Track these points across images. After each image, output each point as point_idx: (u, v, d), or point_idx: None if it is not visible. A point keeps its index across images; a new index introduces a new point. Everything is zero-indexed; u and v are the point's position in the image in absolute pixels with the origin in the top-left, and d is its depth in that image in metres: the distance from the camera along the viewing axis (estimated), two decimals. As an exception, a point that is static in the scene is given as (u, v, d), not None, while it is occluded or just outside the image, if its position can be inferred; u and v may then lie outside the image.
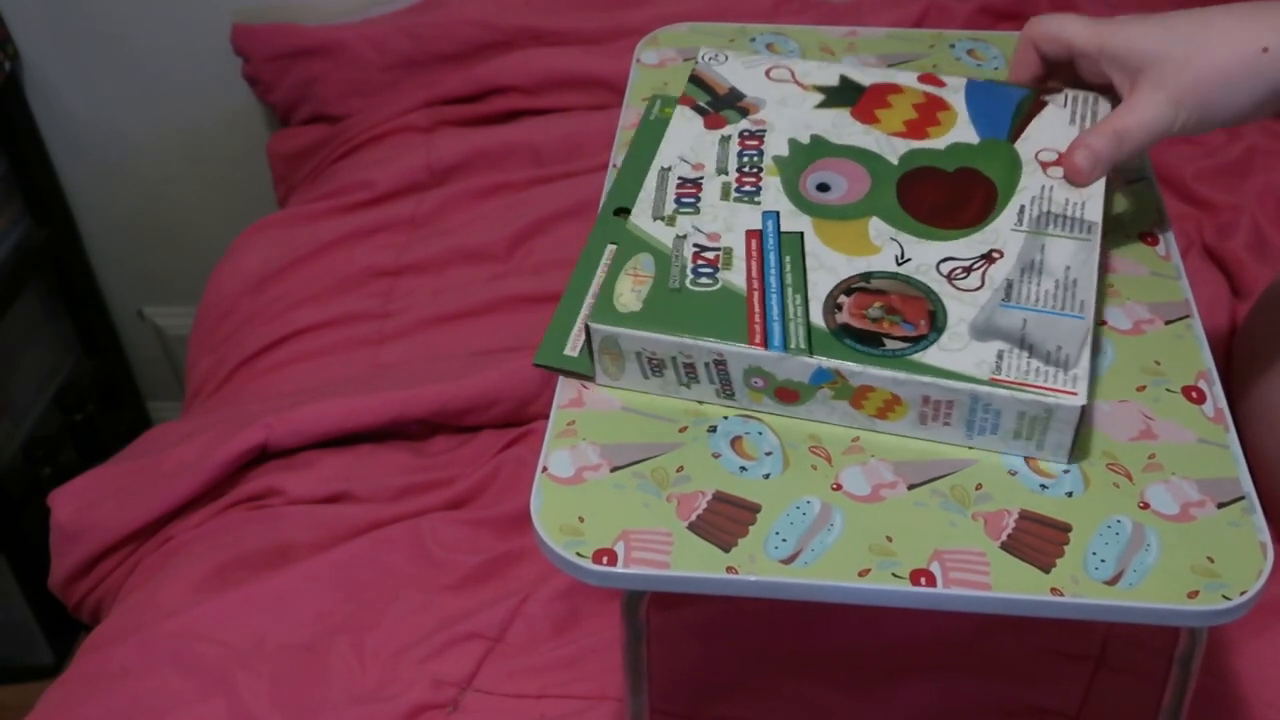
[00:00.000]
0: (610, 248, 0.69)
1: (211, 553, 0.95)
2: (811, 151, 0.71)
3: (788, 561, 0.57)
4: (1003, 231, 0.67)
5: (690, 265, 0.65)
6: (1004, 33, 0.88)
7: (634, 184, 0.71)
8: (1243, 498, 0.59)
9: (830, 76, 0.76)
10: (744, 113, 0.74)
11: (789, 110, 0.74)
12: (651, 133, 0.76)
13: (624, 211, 0.71)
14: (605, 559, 0.58)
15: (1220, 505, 0.59)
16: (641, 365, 0.63)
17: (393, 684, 0.85)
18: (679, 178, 0.70)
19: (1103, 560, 0.57)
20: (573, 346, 0.66)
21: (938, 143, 0.72)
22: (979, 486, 0.60)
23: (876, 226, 0.67)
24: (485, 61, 1.37)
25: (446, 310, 1.14)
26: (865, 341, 0.61)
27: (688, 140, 0.72)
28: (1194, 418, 0.63)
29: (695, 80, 0.76)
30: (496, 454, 1.01)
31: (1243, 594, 0.56)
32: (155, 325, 1.85)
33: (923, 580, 0.56)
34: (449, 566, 0.92)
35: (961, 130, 0.72)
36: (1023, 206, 0.68)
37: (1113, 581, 0.56)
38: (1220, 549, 0.57)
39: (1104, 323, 0.68)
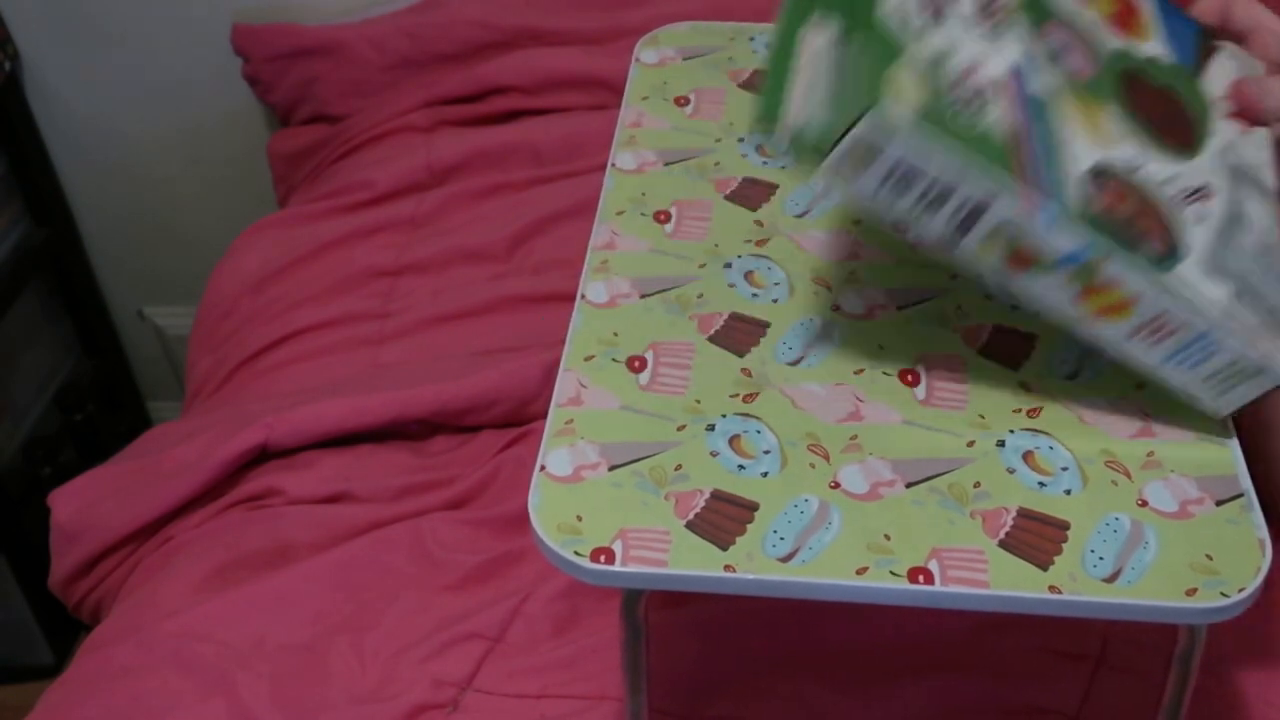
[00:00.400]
0: (815, 28, 0.61)
1: (211, 553, 0.95)
2: (1046, 6, 0.65)
3: (786, 560, 0.57)
4: (1208, 171, 0.63)
5: (956, 86, 0.59)
6: None
7: None
8: (1241, 495, 0.59)
9: None
10: None
11: None
12: None
13: None
14: (603, 558, 0.58)
15: (1219, 503, 0.59)
16: (889, 177, 0.56)
17: (393, 684, 0.84)
18: None
19: (1101, 558, 0.57)
20: (792, 119, 0.58)
21: (1140, 49, 0.67)
22: (977, 484, 0.60)
23: (1112, 116, 0.63)
24: (485, 61, 1.37)
25: (446, 310, 1.14)
26: (1124, 238, 0.58)
27: None
28: (1193, 416, 0.63)
29: None
30: (496, 454, 1.01)
31: (1241, 591, 0.56)
32: (155, 325, 1.85)
33: (921, 578, 0.56)
34: (449, 566, 0.92)
35: (1157, 44, 0.68)
36: (1219, 150, 0.64)
37: (1111, 579, 0.56)
38: (1219, 546, 0.57)
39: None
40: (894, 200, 0.57)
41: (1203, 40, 0.69)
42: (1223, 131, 0.65)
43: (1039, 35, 0.64)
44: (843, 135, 0.55)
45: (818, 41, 0.61)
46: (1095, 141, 0.61)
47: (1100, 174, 0.59)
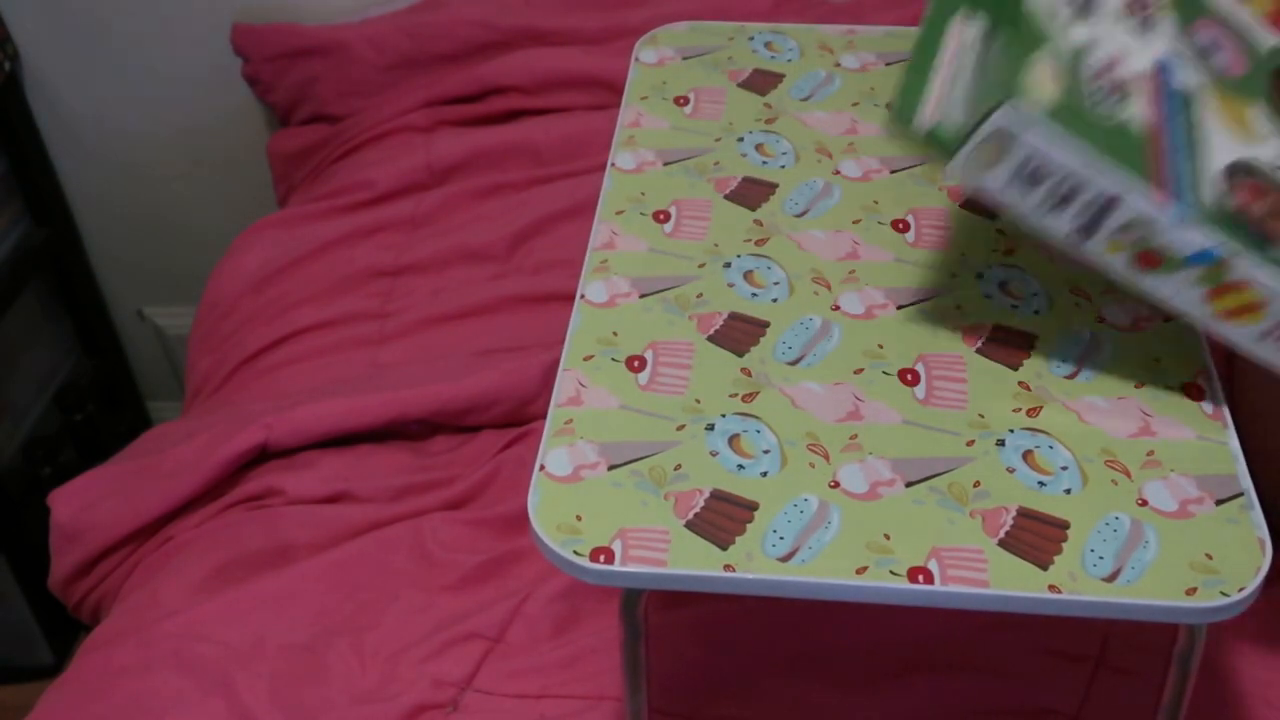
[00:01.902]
0: (964, 23, 0.63)
1: (211, 552, 0.95)
2: (1197, 3, 0.66)
3: (785, 559, 0.57)
4: None
5: (1095, 81, 0.60)
6: None
7: None
8: (1241, 495, 0.59)
9: None
10: None
11: None
12: None
13: None
14: (603, 557, 0.58)
15: (1219, 502, 0.59)
16: (1019, 171, 0.57)
17: (393, 684, 0.84)
18: None
19: (1101, 557, 0.57)
20: (930, 116, 0.60)
21: None
22: (977, 484, 0.60)
23: (1259, 114, 0.63)
24: (485, 61, 1.37)
25: (446, 310, 1.14)
26: (1256, 238, 0.58)
27: None
28: (1193, 415, 0.63)
29: None
30: (496, 454, 1.01)
31: (1241, 591, 0.56)
32: (155, 325, 1.85)
33: (920, 578, 0.56)
34: (449, 566, 0.92)
35: None
36: None
37: (1111, 578, 0.56)
38: (1219, 546, 0.57)
39: (1102, 320, 0.68)
40: (1024, 195, 0.57)
41: None
42: None
43: (1189, 31, 0.64)
44: (975, 128, 0.56)
45: (964, 36, 0.62)
46: (1239, 138, 0.61)
47: (1238, 170, 0.59)
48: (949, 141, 0.59)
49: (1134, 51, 0.62)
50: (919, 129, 0.59)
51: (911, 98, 0.60)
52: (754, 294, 0.70)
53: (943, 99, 0.60)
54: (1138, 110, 0.59)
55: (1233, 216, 0.58)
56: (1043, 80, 0.57)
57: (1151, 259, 0.58)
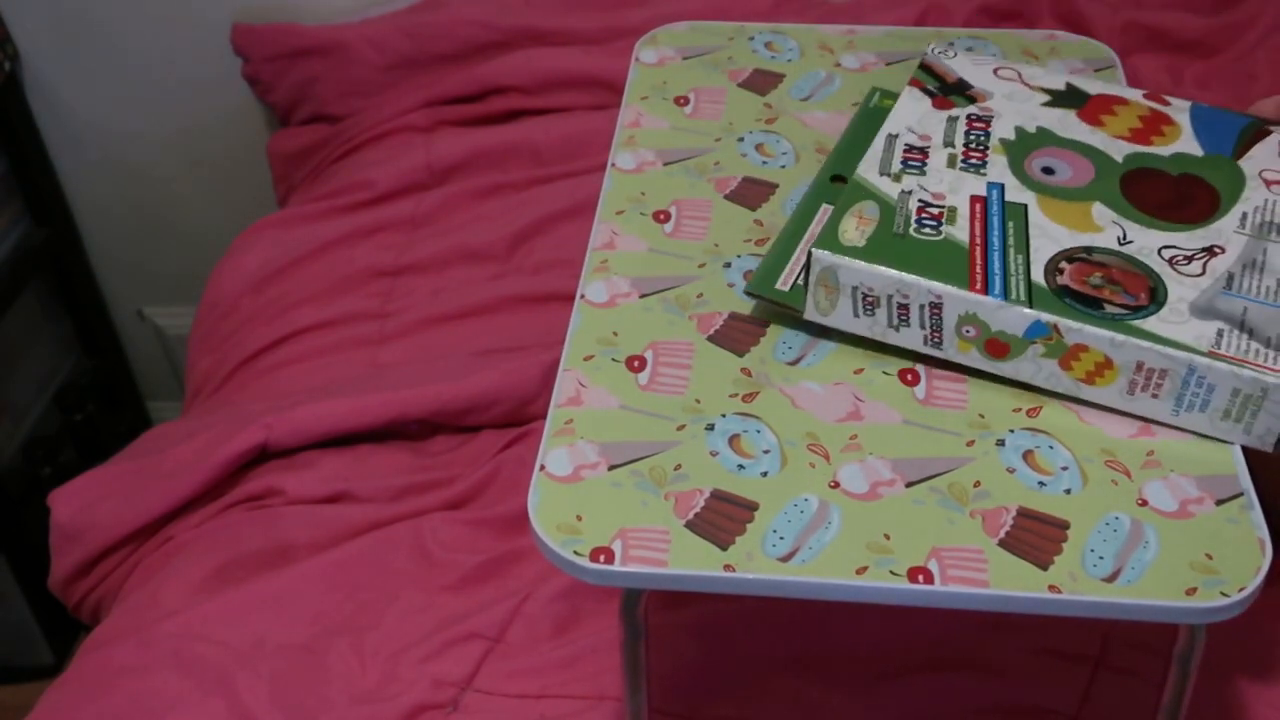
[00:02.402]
0: (825, 207, 0.73)
1: (211, 553, 0.95)
2: (1038, 139, 0.72)
3: (785, 559, 0.57)
4: (1225, 231, 0.67)
5: (914, 216, 0.66)
6: (1003, 31, 0.88)
7: (853, 156, 0.73)
8: (1241, 494, 0.59)
9: (1057, 81, 0.77)
10: (972, 100, 0.75)
11: (1016, 104, 0.75)
12: (870, 119, 0.79)
13: (840, 179, 0.74)
14: (603, 557, 0.58)
15: (1219, 502, 0.59)
16: (855, 302, 0.64)
17: (393, 684, 0.84)
18: (906, 144, 0.71)
19: (1101, 557, 0.57)
20: (784, 282, 0.68)
21: (1162, 150, 0.72)
22: (977, 484, 0.60)
23: (1100, 210, 0.68)
24: (485, 61, 1.37)
25: (446, 310, 1.14)
26: (1085, 303, 0.62)
27: (915, 115, 0.73)
28: (1192, 415, 0.63)
29: (924, 68, 0.77)
30: (496, 454, 1.01)
31: (1241, 591, 0.55)
32: (155, 325, 1.85)
33: (920, 578, 0.56)
34: (449, 566, 0.92)
35: (1186, 144, 0.72)
36: (1245, 213, 0.68)
37: (1111, 579, 0.56)
38: (1219, 546, 0.57)
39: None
40: (871, 320, 0.65)
41: (1253, 130, 0.73)
42: (1254, 198, 0.69)
43: (1026, 161, 0.70)
44: (806, 279, 0.65)
45: (824, 218, 0.72)
46: (1077, 231, 0.66)
47: (1070, 256, 0.64)
48: (798, 294, 0.67)
49: (963, 186, 0.68)
50: (776, 290, 0.68)
51: (772, 269, 0.69)
52: None
53: (800, 267, 0.69)
54: (960, 228, 0.65)
55: (1058, 292, 0.62)
56: (854, 225, 0.65)
57: (998, 347, 0.63)
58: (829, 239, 0.64)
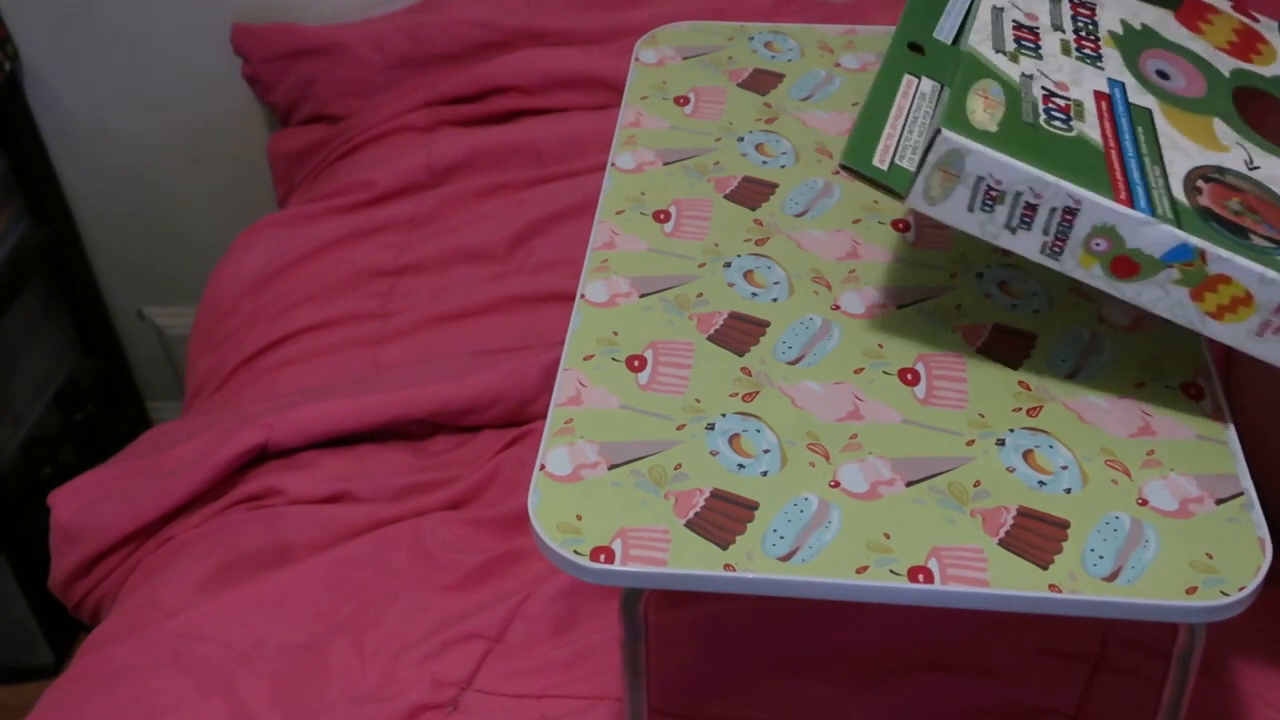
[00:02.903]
0: (908, 78, 0.65)
1: (211, 553, 0.95)
2: (1145, 39, 0.67)
3: (785, 559, 0.57)
4: None
5: (1041, 105, 0.61)
6: None
7: (926, 22, 0.68)
8: (1241, 494, 0.59)
9: None
10: None
11: None
12: None
13: (916, 48, 0.67)
14: (603, 557, 0.58)
15: (1219, 501, 0.59)
16: (975, 194, 0.58)
17: (393, 684, 0.84)
18: (1014, 21, 0.65)
19: (1101, 557, 0.57)
20: (880, 159, 0.61)
21: (1264, 69, 0.68)
22: (977, 483, 0.60)
23: (1221, 128, 0.64)
24: (485, 61, 1.37)
25: (446, 310, 1.14)
26: (1231, 231, 0.57)
27: None
28: (1193, 414, 0.63)
29: None
30: (496, 454, 1.01)
31: (1241, 590, 0.55)
32: (155, 325, 1.85)
33: (920, 577, 0.56)
34: (449, 566, 0.92)
35: None
36: None
37: (1111, 578, 0.56)
38: (1219, 545, 0.57)
39: (1103, 320, 0.68)
40: (987, 218, 0.58)
41: None
42: None
43: (1139, 62, 0.65)
44: (923, 160, 0.58)
45: (915, 90, 0.65)
46: (1203, 147, 0.61)
47: (1204, 174, 0.59)
48: (903, 176, 0.61)
49: (1083, 78, 0.63)
50: (875, 166, 0.61)
51: (865, 141, 0.62)
52: (754, 294, 0.70)
53: (899, 140, 0.62)
54: (1090, 126, 0.60)
55: (1202, 213, 0.58)
56: (982, 106, 0.59)
57: (1127, 266, 0.58)
58: (958, 118, 0.57)
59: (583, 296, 0.70)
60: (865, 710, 0.79)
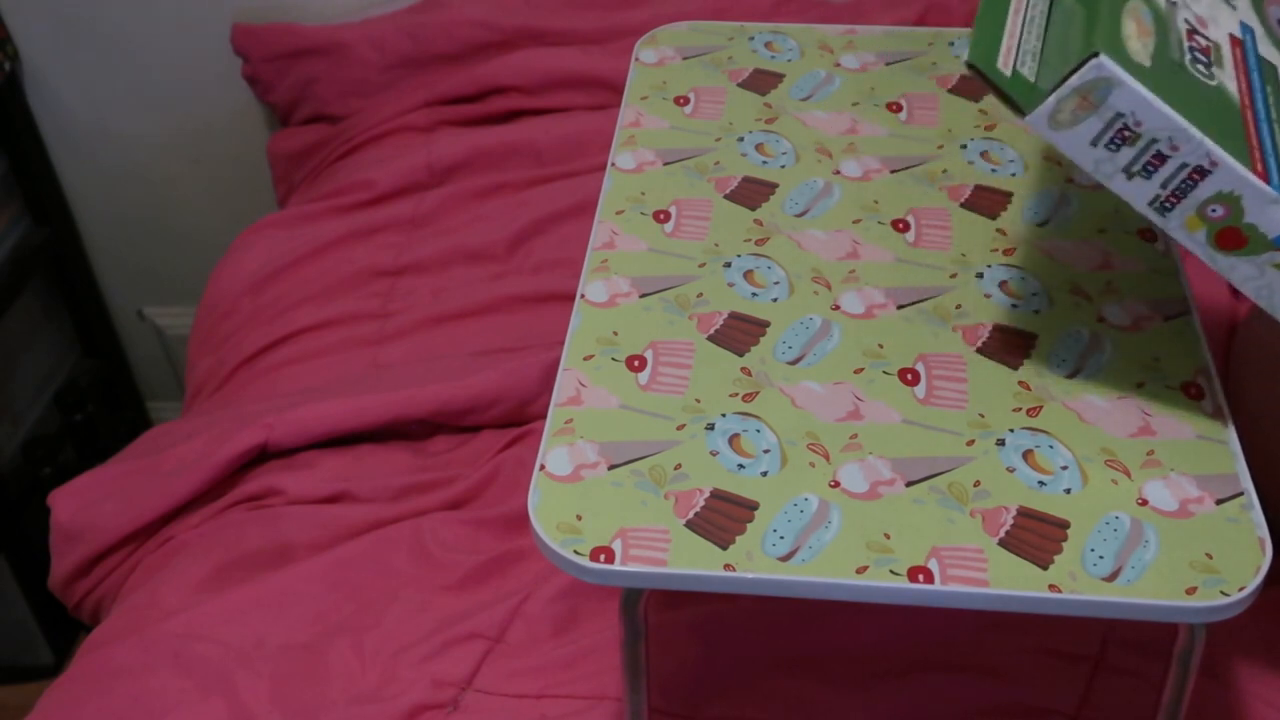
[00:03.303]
0: None
1: (211, 553, 0.95)
2: None
3: (785, 559, 0.57)
4: None
5: (1185, 42, 0.57)
6: None
7: None
8: (1241, 494, 0.59)
9: None
10: None
11: None
12: None
13: None
14: (603, 557, 0.58)
15: (1219, 501, 0.59)
16: (1107, 129, 0.54)
17: (393, 684, 0.84)
18: None
19: (1101, 557, 0.57)
20: (1004, 62, 0.57)
21: None
22: (977, 483, 0.60)
23: None
24: (485, 61, 1.37)
25: (446, 310, 1.14)
26: None
27: None
28: (1193, 414, 0.63)
29: None
30: (496, 454, 1.01)
31: (1241, 590, 0.55)
32: (155, 325, 1.85)
33: (920, 577, 0.56)
34: (449, 566, 0.92)
35: None
36: None
37: (1111, 578, 0.56)
38: (1219, 545, 0.57)
39: (1102, 319, 0.68)
40: (1109, 156, 0.55)
41: None
42: None
43: (1264, 5, 0.61)
44: (1065, 78, 0.53)
45: None
46: None
47: None
48: (1034, 89, 0.56)
49: (1220, 17, 0.59)
50: (999, 71, 0.56)
51: (989, 37, 0.57)
52: (754, 294, 0.70)
53: (1019, 42, 0.58)
54: (1228, 77, 0.57)
55: None
56: (1135, 33, 0.54)
57: (1235, 238, 0.55)
58: (1114, 43, 0.52)
59: (583, 296, 0.70)
60: (865, 710, 0.79)
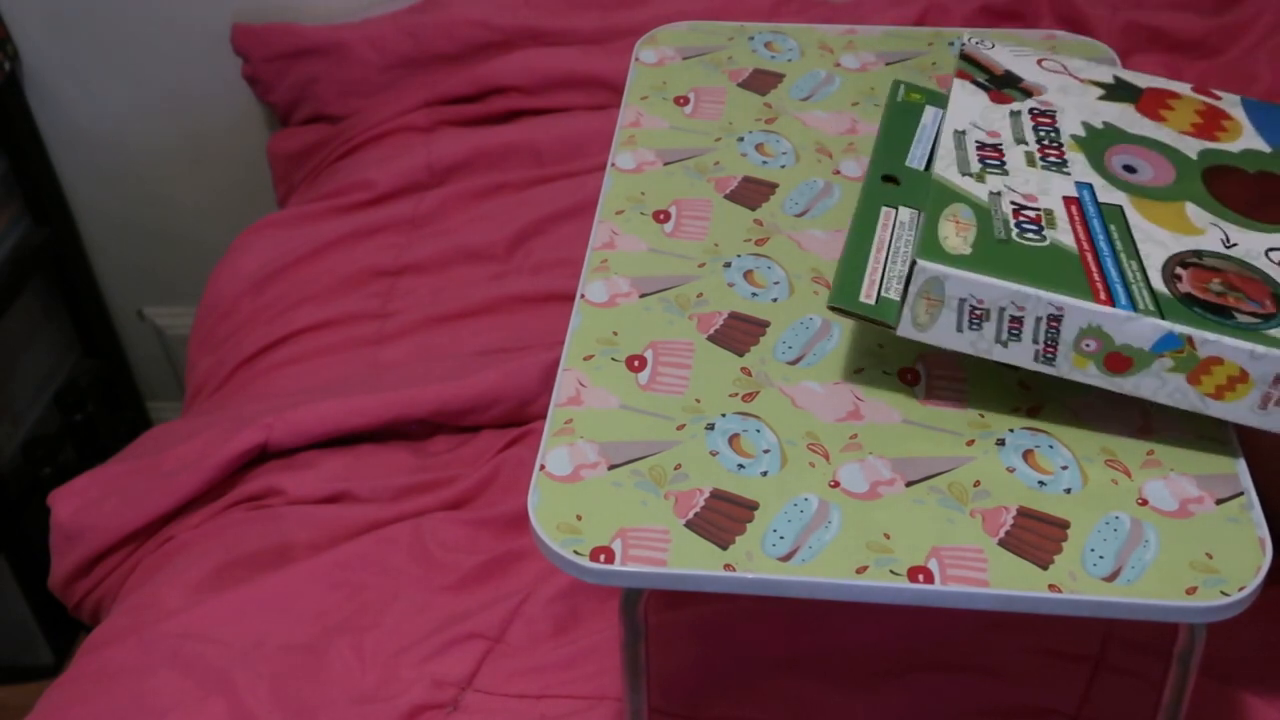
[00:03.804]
0: (886, 210, 0.68)
1: (211, 553, 0.95)
2: (1109, 136, 0.69)
3: (785, 559, 0.57)
4: None
5: (1013, 220, 0.62)
6: (1003, 31, 0.88)
7: (897, 154, 0.70)
8: (1241, 494, 0.59)
9: (1105, 75, 0.74)
10: (1028, 94, 0.72)
11: (1073, 98, 0.72)
12: (903, 115, 0.75)
13: (891, 179, 0.70)
14: (603, 557, 0.58)
15: (1219, 501, 0.59)
16: (961, 315, 0.60)
17: (393, 684, 0.84)
18: (977, 142, 0.67)
19: (1101, 557, 0.57)
20: (866, 294, 0.63)
21: (1230, 146, 0.70)
22: (977, 483, 0.60)
23: (1194, 211, 0.65)
24: (485, 61, 1.37)
25: (446, 310, 1.14)
26: (1215, 313, 0.58)
27: (975, 110, 0.70)
28: (1193, 414, 0.63)
29: (967, 59, 0.74)
30: (496, 454, 1.01)
31: (1241, 590, 0.56)
32: (155, 325, 1.85)
33: (920, 577, 0.56)
34: (449, 566, 0.92)
35: (1250, 139, 0.71)
36: None
37: (1111, 578, 0.56)
38: (1219, 545, 0.57)
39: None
40: (977, 336, 0.61)
41: None
42: None
43: (1105, 159, 0.67)
44: (905, 291, 0.60)
45: (893, 220, 0.67)
46: (1178, 234, 0.63)
47: (1181, 260, 0.61)
48: (890, 307, 0.62)
49: (1051, 186, 0.65)
50: (862, 303, 0.63)
51: (850, 279, 0.64)
52: (754, 294, 0.70)
53: (883, 272, 0.64)
54: (1063, 232, 0.62)
55: (1184, 300, 0.59)
56: (954, 230, 0.61)
57: (1120, 361, 0.60)
58: (931, 247, 0.60)
59: (583, 296, 0.70)
60: (865, 710, 0.79)
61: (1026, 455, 0.61)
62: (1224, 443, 0.62)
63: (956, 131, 0.68)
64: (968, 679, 0.80)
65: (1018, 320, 0.60)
